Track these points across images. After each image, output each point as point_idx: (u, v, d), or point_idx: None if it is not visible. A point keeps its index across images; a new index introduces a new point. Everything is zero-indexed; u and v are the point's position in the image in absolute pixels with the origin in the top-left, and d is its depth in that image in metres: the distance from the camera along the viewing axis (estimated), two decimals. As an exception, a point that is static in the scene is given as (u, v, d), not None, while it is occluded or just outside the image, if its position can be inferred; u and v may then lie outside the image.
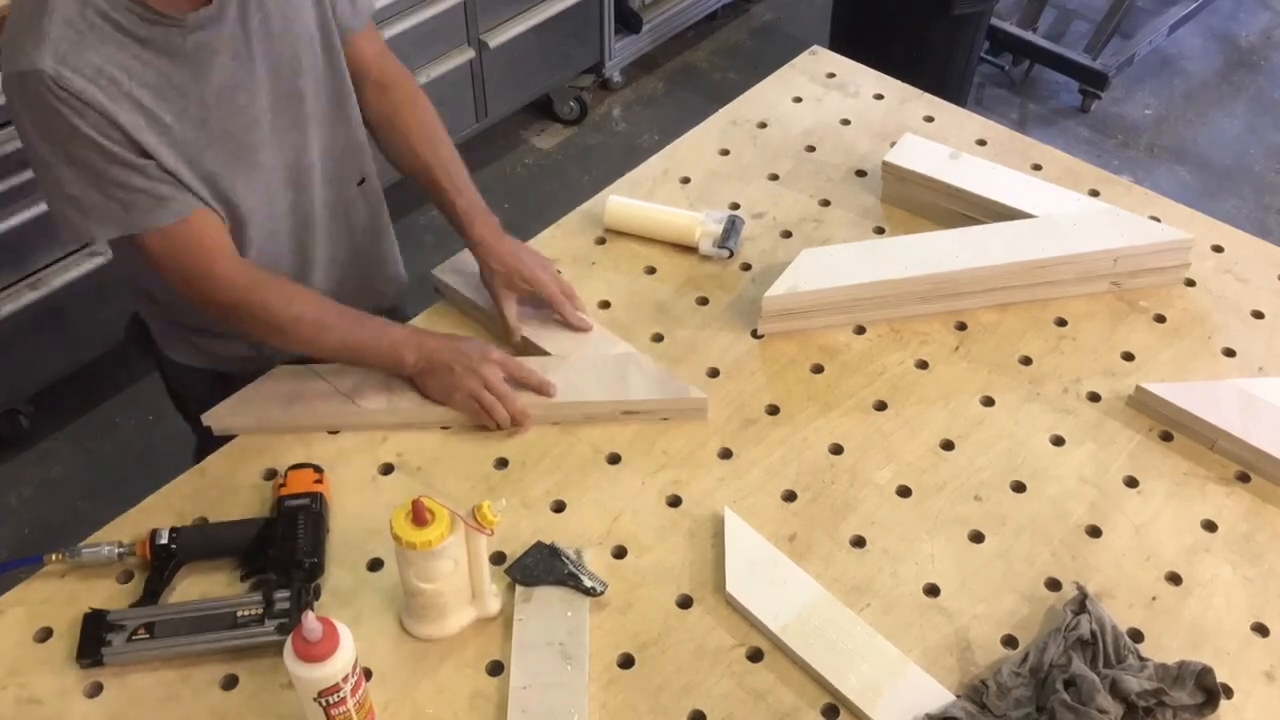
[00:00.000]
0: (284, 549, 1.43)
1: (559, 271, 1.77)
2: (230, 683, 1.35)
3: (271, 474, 1.55)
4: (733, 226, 1.85)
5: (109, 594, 1.42)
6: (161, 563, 1.42)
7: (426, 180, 1.71)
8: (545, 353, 1.69)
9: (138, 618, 1.37)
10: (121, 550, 1.43)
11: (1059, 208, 1.82)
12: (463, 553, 1.32)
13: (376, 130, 1.72)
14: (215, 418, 1.60)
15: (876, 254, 1.77)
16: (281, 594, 1.38)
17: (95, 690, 1.34)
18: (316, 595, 1.42)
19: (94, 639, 1.35)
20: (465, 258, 1.77)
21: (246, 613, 1.37)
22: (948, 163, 1.90)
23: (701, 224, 1.85)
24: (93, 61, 1.32)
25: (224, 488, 1.54)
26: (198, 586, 1.44)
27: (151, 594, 1.40)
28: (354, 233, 1.75)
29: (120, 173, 1.37)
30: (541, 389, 1.60)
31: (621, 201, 1.89)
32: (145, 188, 1.40)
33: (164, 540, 1.42)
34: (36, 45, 1.30)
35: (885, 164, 1.92)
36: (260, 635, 1.35)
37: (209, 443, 1.60)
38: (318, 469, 1.52)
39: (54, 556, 1.43)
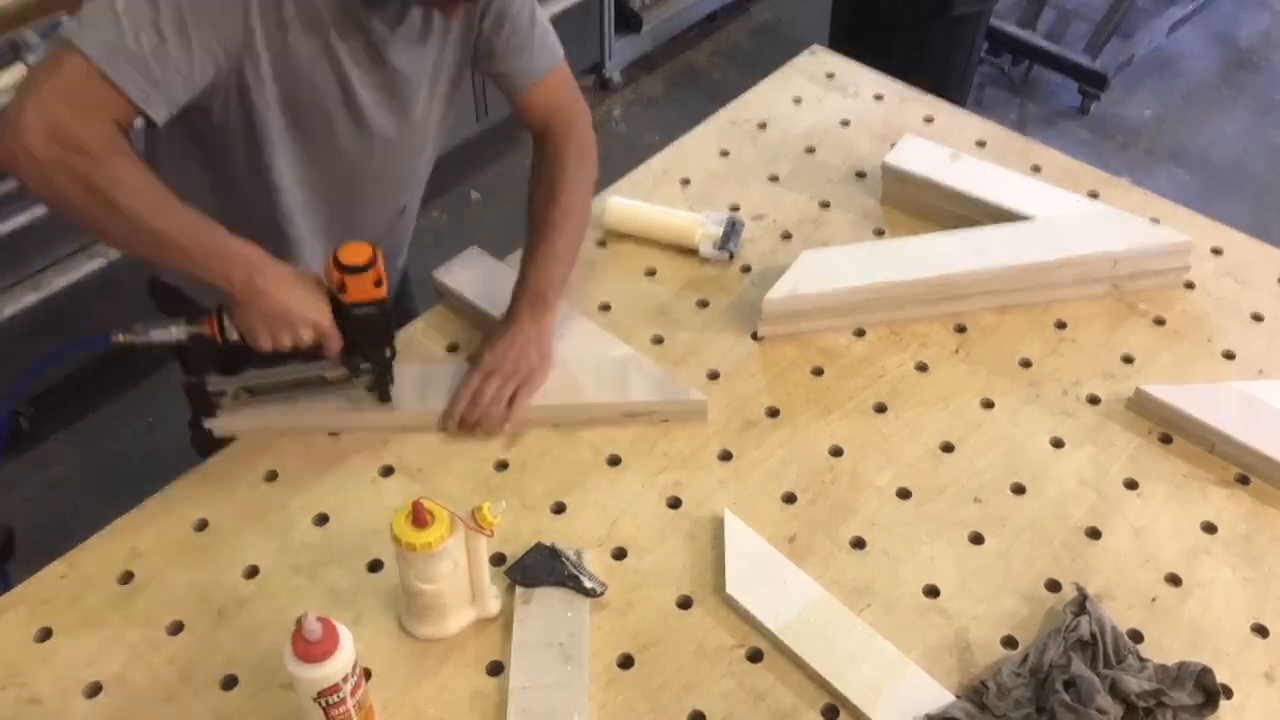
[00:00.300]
0: (363, 345, 1.50)
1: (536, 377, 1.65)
2: (230, 683, 1.35)
3: (273, 475, 1.55)
4: (733, 229, 1.85)
5: (109, 596, 1.42)
6: (233, 349, 1.44)
7: (528, 228, 1.71)
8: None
9: (235, 382, 1.47)
10: (192, 331, 1.43)
11: (1059, 209, 1.82)
12: (462, 554, 1.32)
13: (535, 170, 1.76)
14: (218, 424, 1.59)
15: (877, 256, 1.78)
16: (364, 365, 1.52)
17: (95, 690, 1.34)
18: (394, 355, 1.53)
19: (203, 403, 1.45)
20: (467, 257, 1.78)
21: (335, 374, 1.51)
22: (947, 165, 1.90)
23: (701, 226, 1.85)
24: None
25: (225, 488, 1.54)
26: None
27: (229, 372, 1.48)
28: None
29: (174, 42, 1.33)
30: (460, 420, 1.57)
31: (622, 203, 1.90)
32: (170, 66, 1.34)
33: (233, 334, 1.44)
34: None
35: (885, 166, 1.93)
36: (353, 387, 1.52)
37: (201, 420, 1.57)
38: (373, 268, 1.44)
39: (121, 337, 1.42)
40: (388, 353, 1.52)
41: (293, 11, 1.41)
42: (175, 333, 1.43)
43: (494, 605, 1.39)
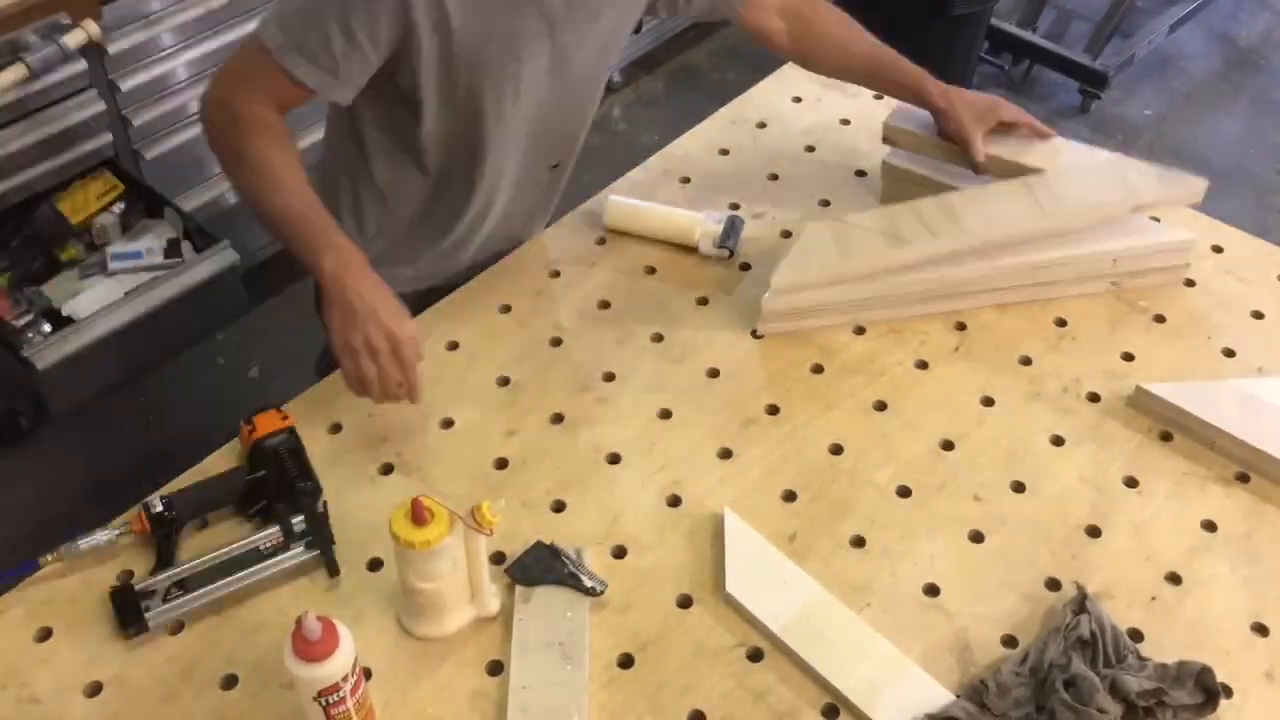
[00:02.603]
0: (280, 481, 1.47)
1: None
2: (230, 683, 1.35)
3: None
4: (733, 227, 1.85)
5: (109, 595, 1.42)
6: (165, 531, 1.43)
7: (873, 73, 1.91)
8: (1026, 169, 1.79)
9: (165, 580, 1.39)
10: (119, 532, 1.44)
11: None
12: (461, 553, 1.32)
13: (798, 56, 1.95)
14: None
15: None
16: (295, 519, 1.43)
17: (95, 690, 1.34)
18: (326, 510, 1.47)
19: (130, 609, 1.37)
20: (904, 109, 1.90)
21: (269, 544, 1.42)
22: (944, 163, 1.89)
23: (702, 224, 1.85)
24: None
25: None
26: (193, 549, 1.45)
27: (165, 563, 1.42)
28: (525, 204, 1.86)
29: (340, 43, 1.48)
30: (411, 391, 1.51)
31: (622, 201, 1.90)
32: (339, 62, 1.50)
33: (159, 509, 1.44)
34: None
35: (885, 164, 1.92)
36: (291, 558, 1.42)
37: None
38: (280, 409, 1.56)
39: (50, 558, 1.42)
40: (308, 485, 1.46)
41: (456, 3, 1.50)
42: (104, 537, 1.43)
43: (493, 604, 1.39)
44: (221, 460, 1.56)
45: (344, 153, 1.77)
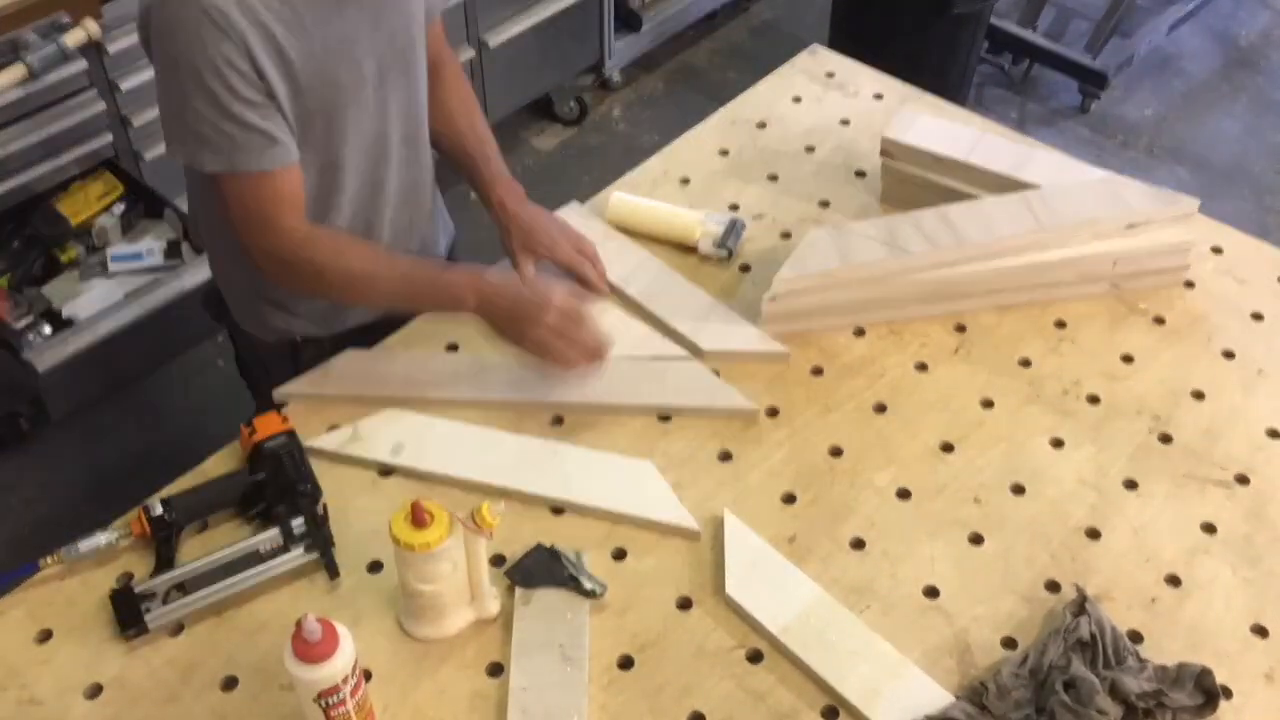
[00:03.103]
0: (279, 485, 1.47)
1: (584, 239, 1.75)
2: (230, 684, 1.35)
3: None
4: (733, 228, 1.85)
5: (109, 596, 1.42)
6: (165, 533, 1.44)
7: (458, 149, 1.77)
8: (1021, 184, 1.78)
9: (165, 582, 1.40)
10: (118, 535, 1.44)
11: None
12: (461, 555, 1.32)
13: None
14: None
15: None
16: (295, 521, 1.44)
17: (95, 692, 1.34)
18: (326, 512, 1.47)
19: (130, 611, 1.37)
20: (903, 119, 1.89)
21: (269, 546, 1.42)
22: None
23: (702, 224, 1.85)
24: None
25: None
26: (193, 551, 1.45)
27: (165, 565, 1.42)
28: (417, 191, 1.79)
29: (242, 109, 1.43)
30: (598, 342, 1.58)
31: (624, 198, 1.90)
32: (262, 128, 1.45)
33: (158, 512, 1.44)
34: None
35: (885, 165, 1.92)
36: (291, 561, 1.42)
37: (264, 405, 1.64)
38: (280, 412, 1.56)
39: (49, 560, 1.42)
40: (308, 487, 1.48)
41: (265, 15, 1.42)
42: (103, 539, 1.43)
43: (493, 606, 1.39)
44: (222, 462, 1.56)
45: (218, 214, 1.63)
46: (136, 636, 1.37)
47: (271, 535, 1.43)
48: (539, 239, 1.69)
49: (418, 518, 1.26)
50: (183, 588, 1.39)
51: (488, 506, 1.28)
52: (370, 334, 1.74)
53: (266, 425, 1.53)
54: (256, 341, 1.82)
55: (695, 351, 1.69)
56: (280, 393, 1.64)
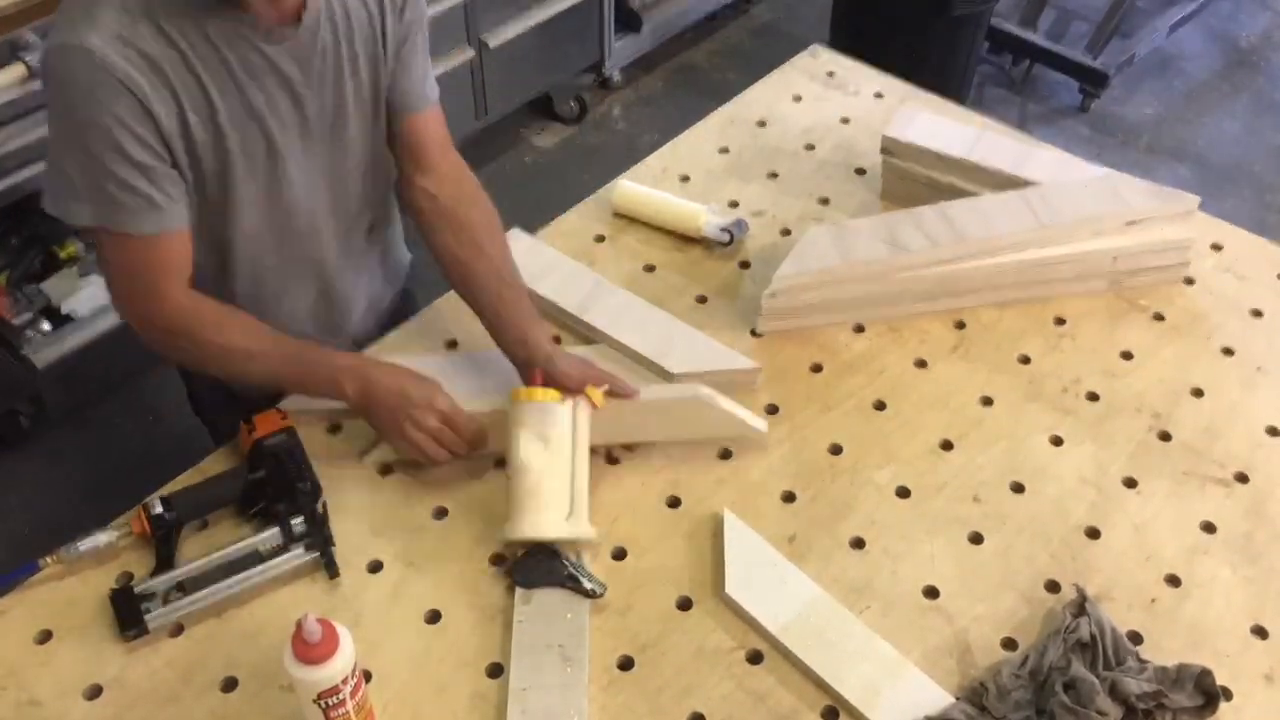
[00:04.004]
0: (279, 483, 1.47)
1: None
2: (230, 684, 1.34)
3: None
4: (737, 225, 1.86)
5: (108, 597, 1.42)
6: (165, 532, 1.43)
7: (487, 310, 1.60)
8: (1021, 181, 1.80)
9: (165, 582, 1.39)
10: (119, 534, 1.44)
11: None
12: (569, 428, 1.44)
13: (434, 239, 1.64)
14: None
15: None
16: (295, 520, 1.43)
17: (95, 693, 1.34)
18: (326, 511, 1.47)
19: (130, 611, 1.36)
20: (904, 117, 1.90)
21: (269, 545, 1.42)
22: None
23: (705, 213, 1.86)
24: (142, 48, 1.32)
25: (223, 488, 1.54)
26: (193, 550, 1.45)
27: (165, 564, 1.41)
28: (355, 274, 1.72)
29: (127, 172, 1.36)
30: (475, 442, 1.52)
31: (630, 187, 1.92)
32: (146, 192, 1.38)
33: (159, 510, 1.44)
34: (90, 25, 1.30)
35: (885, 162, 1.92)
36: (291, 560, 1.42)
37: (221, 442, 1.61)
38: (279, 409, 1.56)
39: (49, 560, 1.42)
40: (308, 485, 1.47)
41: (174, 76, 1.36)
42: (103, 538, 1.43)
43: (587, 529, 1.43)
44: (221, 460, 1.56)
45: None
46: (137, 637, 1.36)
47: (271, 534, 1.43)
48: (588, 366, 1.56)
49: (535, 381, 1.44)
50: (183, 588, 1.39)
51: (593, 388, 1.44)
52: None
53: (266, 423, 1.53)
54: (212, 382, 1.73)
55: (664, 376, 1.65)
56: (283, 405, 1.61)
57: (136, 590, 1.38)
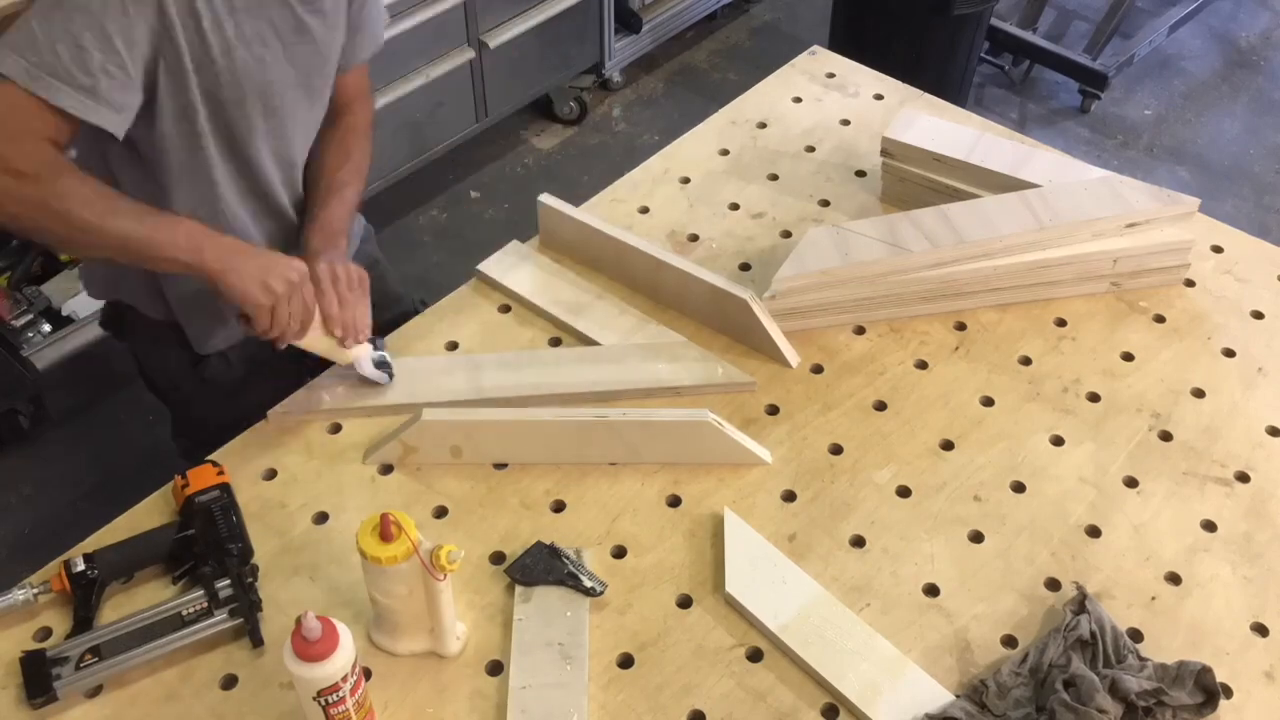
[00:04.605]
0: (208, 542, 1.43)
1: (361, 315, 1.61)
2: (230, 682, 1.34)
3: (272, 474, 1.56)
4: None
5: (108, 595, 1.42)
6: (85, 591, 1.38)
7: (311, 185, 1.68)
8: (1021, 184, 1.80)
9: (79, 645, 1.33)
10: (37, 591, 1.39)
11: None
12: (419, 584, 1.28)
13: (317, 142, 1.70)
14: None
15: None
16: (221, 583, 1.38)
17: (95, 691, 1.33)
18: (254, 575, 1.42)
19: (40, 677, 1.30)
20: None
21: (192, 609, 1.37)
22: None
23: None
24: None
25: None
26: (118, 610, 1.40)
27: (83, 625, 1.36)
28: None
29: (92, 46, 1.33)
30: (349, 329, 1.54)
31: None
32: (93, 71, 1.34)
33: (80, 568, 1.39)
34: None
35: (885, 164, 1.92)
36: (214, 626, 1.36)
37: (181, 421, 1.60)
38: (215, 463, 1.52)
39: None
40: (238, 547, 1.43)
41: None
42: (20, 596, 1.38)
43: (453, 646, 1.36)
44: (154, 509, 1.51)
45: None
46: (44, 705, 1.30)
47: (196, 598, 1.37)
48: (314, 274, 1.55)
49: (384, 530, 1.23)
50: (98, 651, 1.32)
51: (448, 551, 1.24)
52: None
53: (200, 477, 1.49)
54: (160, 357, 1.77)
55: (660, 386, 1.66)
56: (273, 413, 1.61)
57: (49, 654, 1.32)
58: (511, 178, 3.61)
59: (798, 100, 2.17)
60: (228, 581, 1.39)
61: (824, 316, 1.74)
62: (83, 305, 2.69)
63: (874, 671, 1.33)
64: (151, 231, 1.42)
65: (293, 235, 1.66)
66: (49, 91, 1.34)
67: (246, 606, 1.37)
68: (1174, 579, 1.45)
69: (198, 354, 1.72)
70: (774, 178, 2.02)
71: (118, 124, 1.40)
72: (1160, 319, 1.77)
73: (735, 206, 1.96)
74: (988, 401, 1.66)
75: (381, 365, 1.63)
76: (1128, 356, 1.72)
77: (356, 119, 1.75)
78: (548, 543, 1.45)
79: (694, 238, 1.90)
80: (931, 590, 1.43)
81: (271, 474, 1.56)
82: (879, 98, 2.18)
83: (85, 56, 1.33)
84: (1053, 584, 1.44)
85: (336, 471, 1.56)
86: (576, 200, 1.95)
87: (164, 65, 1.41)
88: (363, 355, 1.62)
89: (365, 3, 1.65)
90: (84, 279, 1.77)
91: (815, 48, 2.31)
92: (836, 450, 1.59)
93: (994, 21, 3.75)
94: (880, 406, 1.65)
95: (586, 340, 1.72)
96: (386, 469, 1.57)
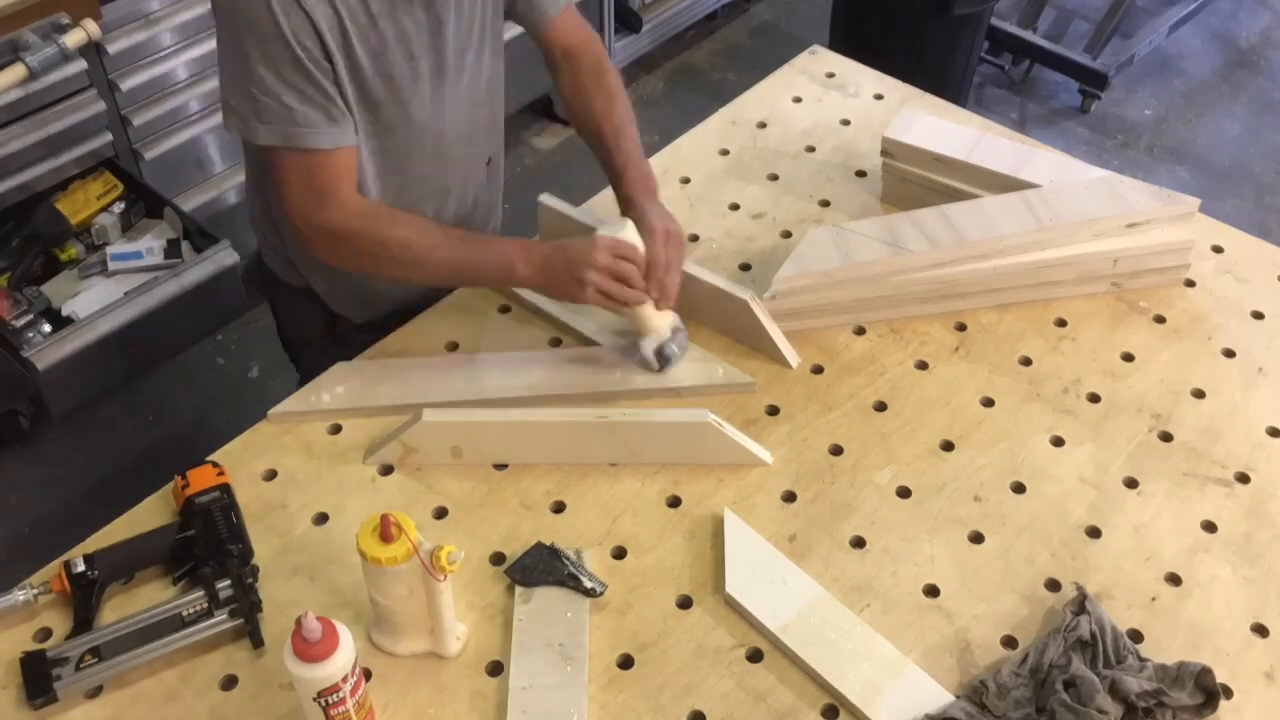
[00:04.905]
0: (209, 543, 1.43)
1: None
2: (230, 683, 1.34)
3: (272, 474, 1.56)
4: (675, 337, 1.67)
5: (108, 595, 1.42)
6: (85, 592, 1.38)
7: (593, 136, 1.76)
8: (1021, 184, 1.79)
9: (79, 645, 1.33)
10: (37, 591, 1.39)
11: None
12: (419, 585, 1.28)
13: (566, 98, 1.79)
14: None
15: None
16: (222, 584, 1.38)
17: (95, 691, 1.33)
18: (255, 576, 1.42)
19: (40, 678, 1.30)
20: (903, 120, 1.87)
21: (192, 610, 1.36)
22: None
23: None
24: None
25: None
26: (119, 610, 1.40)
27: (83, 626, 1.36)
28: (472, 208, 1.80)
29: (304, 84, 1.44)
30: (666, 292, 1.59)
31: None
32: (322, 105, 1.47)
33: (80, 569, 1.39)
34: None
35: (885, 164, 1.92)
36: (214, 626, 1.36)
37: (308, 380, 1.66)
38: (215, 464, 1.52)
39: None
40: (239, 548, 1.43)
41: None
42: (20, 596, 1.37)
43: (453, 646, 1.36)
44: (155, 509, 1.51)
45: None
46: (45, 706, 1.30)
47: (195, 598, 1.37)
48: (648, 229, 1.61)
49: (385, 531, 1.24)
50: (98, 652, 1.32)
51: (448, 551, 1.24)
52: (404, 317, 1.76)
53: (200, 478, 1.49)
54: (298, 313, 1.88)
55: (661, 387, 1.66)
56: (274, 413, 1.61)
57: (49, 654, 1.32)
58: (511, 178, 3.60)
59: (798, 100, 2.17)
60: (228, 582, 1.39)
61: (824, 317, 1.74)
62: (83, 305, 2.68)
63: (874, 672, 1.33)
64: (466, 255, 1.59)
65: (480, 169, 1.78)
66: (307, 139, 1.47)
67: (247, 607, 1.37)
68: (1174, 579, 1.45)
69: (333, 314, 1.82)
70: (774, 178, 2.02)
71: (354, 134, 1.53)
72: (1160, 319, 1.77)
73: (735, 206, 1.96)
74: (988, 402, 1.66)
75: (663, 354, 1.63)
76: (1128, 357, 1.72)
77: (595, 59, 1.77)
78: (548, 543, 1.45)
79: (694, 238, 1.90)
80: (932, 591, 1.43)
81: (272, 474, 1.56)
82: (879, 98, 2.17)
83: (304, 91, 1.45)
84: (1053, 584, 1.44)
85: (336, 472, 1.56)
86: (576, 200, 1.95)
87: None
88: (664, 327, 1.62)
89: None
90: (249, 202, 1.84)
91: (815, 47, 2.31)
92: (837, 451, 1.59)
93: (994, 21, 3.75)
94: (880, 407, 1.65)
95: (586, 340, 1.72)
96: (386, 469, 1.57)
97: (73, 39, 2.39)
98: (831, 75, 2.23)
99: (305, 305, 1.86)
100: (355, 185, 1.56)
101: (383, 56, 1.51)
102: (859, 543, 1.48)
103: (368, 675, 1.33)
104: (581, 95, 1.75)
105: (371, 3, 1.47)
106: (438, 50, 1.57)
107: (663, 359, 1.63)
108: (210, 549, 1.42)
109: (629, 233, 1.58)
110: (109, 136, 2.62)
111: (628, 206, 1.67)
